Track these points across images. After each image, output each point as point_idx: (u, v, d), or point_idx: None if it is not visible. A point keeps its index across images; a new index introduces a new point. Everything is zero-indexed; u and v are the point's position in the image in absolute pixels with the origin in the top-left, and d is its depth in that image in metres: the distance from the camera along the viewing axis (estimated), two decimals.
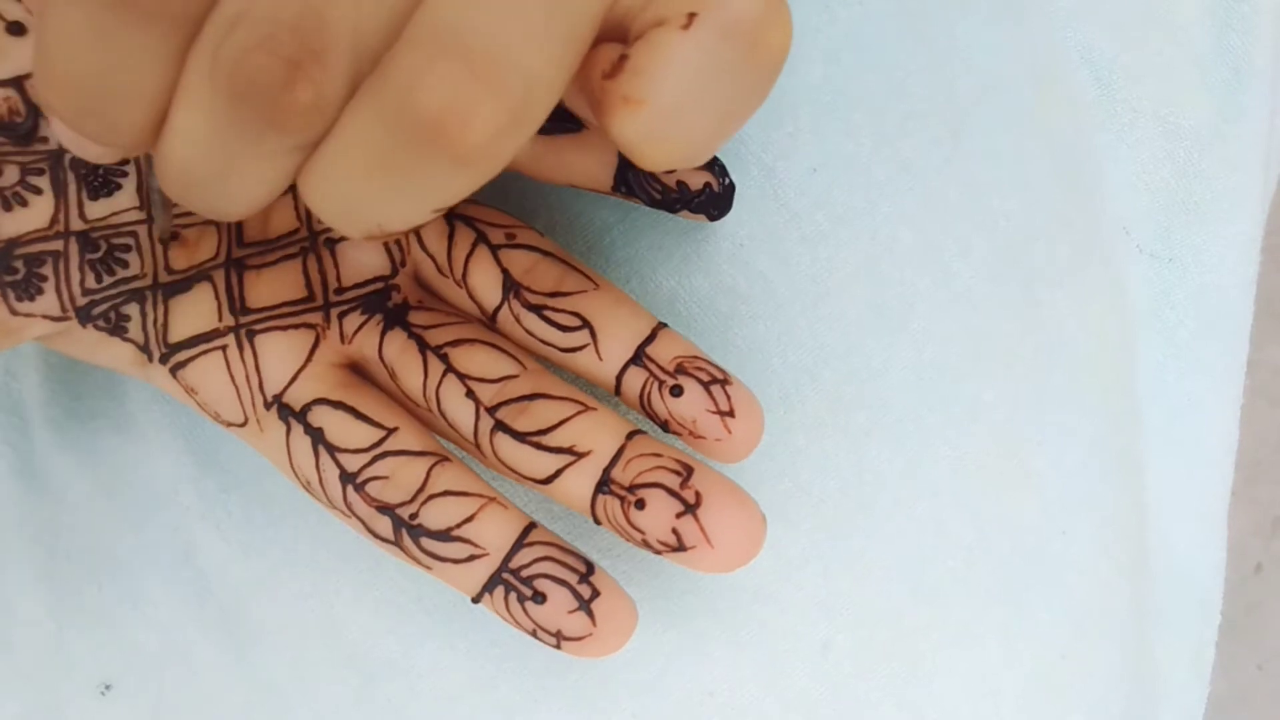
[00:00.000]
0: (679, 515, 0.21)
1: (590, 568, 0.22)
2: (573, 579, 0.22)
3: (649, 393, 0.22)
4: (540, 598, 0.21)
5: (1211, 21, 0.30)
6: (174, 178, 0.17)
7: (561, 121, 0.23)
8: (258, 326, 0.23)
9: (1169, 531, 0.30)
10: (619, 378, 0.23)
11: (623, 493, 0.22)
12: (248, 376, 0.23)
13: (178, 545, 0.26)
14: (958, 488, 0.27)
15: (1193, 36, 0.30)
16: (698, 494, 0.21)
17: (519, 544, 0.22)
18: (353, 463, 0.22)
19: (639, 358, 0.22)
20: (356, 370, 0.24)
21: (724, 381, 0.22)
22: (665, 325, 0.23)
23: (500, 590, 0.22)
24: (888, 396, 0.27)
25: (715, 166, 0.24)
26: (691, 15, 0.15)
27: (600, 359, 0.23)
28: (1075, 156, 0.29)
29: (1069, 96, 0.29)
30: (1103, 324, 0.29)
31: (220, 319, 0.23)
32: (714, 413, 0.22)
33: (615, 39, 0.16)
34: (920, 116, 0.27)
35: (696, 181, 0.24)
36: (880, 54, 0.28)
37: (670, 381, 0.22)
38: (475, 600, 0.22)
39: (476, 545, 0.22)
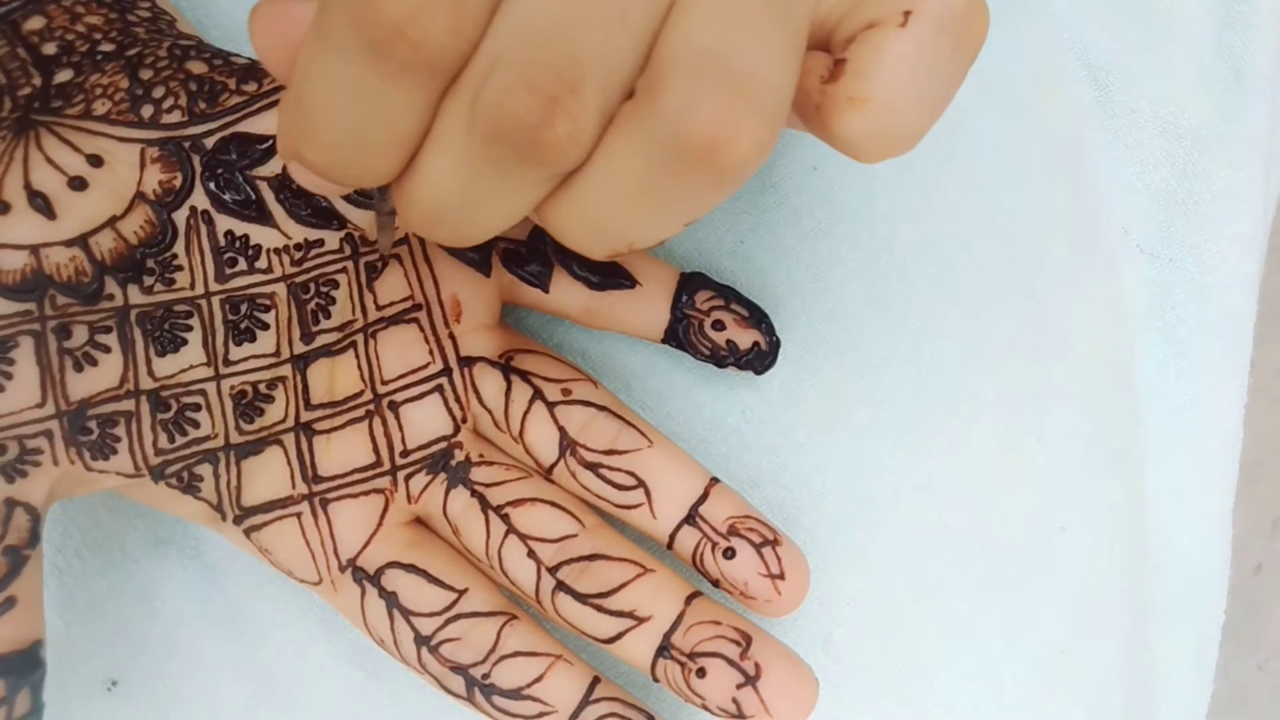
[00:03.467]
0: (739, 686, 0.22)
1: (651, 719, 0.23)
2: None
3: (702, 553, 0.23)
4: None
5: (1211, 21, 0.30)
6: (420, 213, 0.18)
7: (615, 278, 0.24)
8: (330, 495, 0.23)
9: (1171, 530, 0.30)
10: (672, 535, 0.23)
11: (683, 659, 0.22)
12: (322, 542, 0.23)
13: (185, 542, 0.26)
14: (957, 483, 0.27)
15: (1192, 36, 0.30)
16: (757, 665, 0.22)
17: (586, 700, 0.23)
18: (426, 625, 0.23)
19: (692, 518, 0.23)
20: (423, 524, 0.24)
21: (774, 542, 0.23)
22: (717, 480, 0.24)
23: None
24: (888, 392, 0.27)
25: (763, 324, 0.25)
26: (907, 13, 0.15)
27: (654, 518, 0.23)
28: (1073, 155, 0.29)
29: (1067, 96, 0.29)
30: (1101, 322, 0.29)
31: (294, 486, 0.23)
32: (765, 575, 0.23)
33: (815, 47, 0.17)
34: None
35: (745, 340, 0.25)
36: None
37: (723, 544, 0.23)
38: None
39: (546, 703, 0.23)
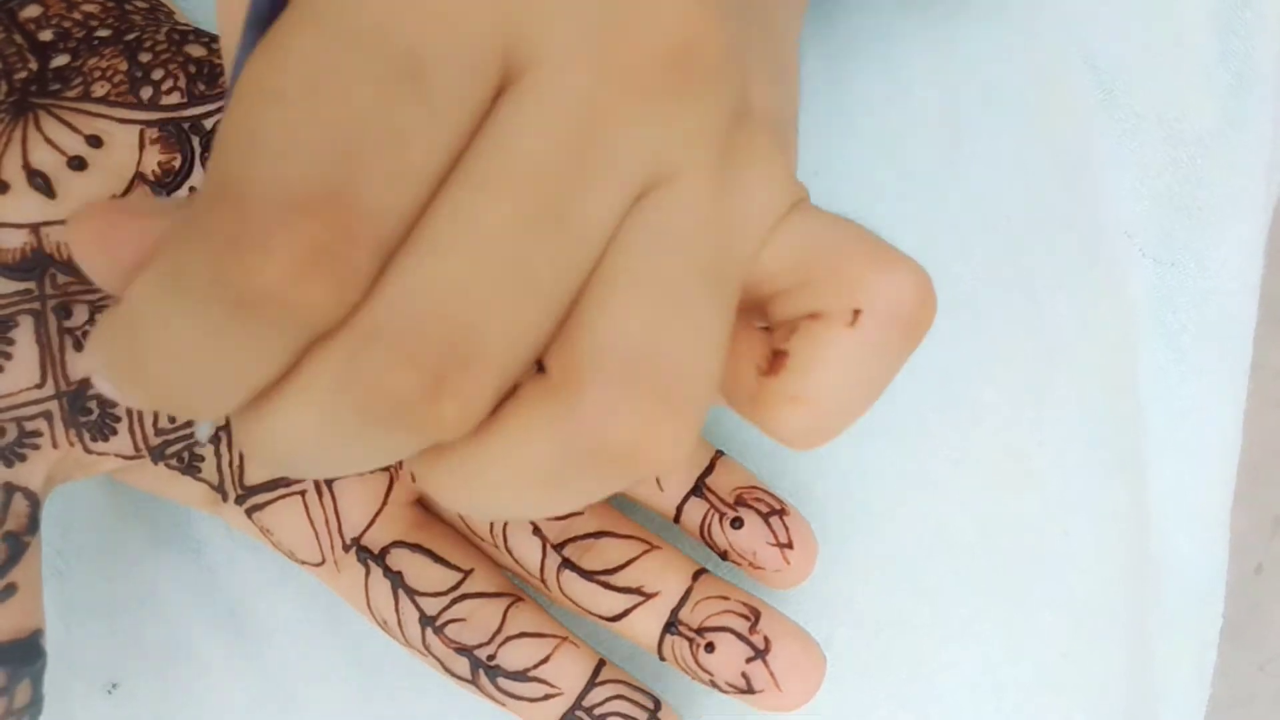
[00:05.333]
0: (749, 660, 0.22)
1: (657, 704, 0.23)
2: (642, 716, 0.23)
3: (709, 524, 0.23)
4: None
5: (1214, 26, 0.30)
6: (260, 453, 0.15)
7: None
8: None
9: (1171, 533, 0.30)
10: (679, 508, 0.23)
11: (691, 634, 0.22)
12: (326, 521, 0.23)
13: (186, 544, 0.26)
14: (959, 487, 0.27)
15: (1196, 41, 0.30)
16: (766, 639, 0.22)
17: (591, 683, 0.22)
18: (432, 606, 0.23)
19: (699, 489, 0.23)
20: (426, 505, 0.24)
21: (781, 512, 0.23)
22: (723, 453, 0.24)
23: None
24: (889, 396, 0.26)
25: None
26: (857, 312, 0.14)
27: (661, 490, 0.23)
28: (1076, 160, 0.29)
29: (1071, 101, 0.29)
30: (1103, 326, 0.29)
31: None
32: (773, 545, 0.23)
33: (748, 308, 0.16)
34: (922, 120, 0.27)
35: None
36: (882, 58, 0.28)
37: (730, 514, 0.23)
38: None
39: (552, 685, 0.22)
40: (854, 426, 0.26)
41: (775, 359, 0.15)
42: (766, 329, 0.16)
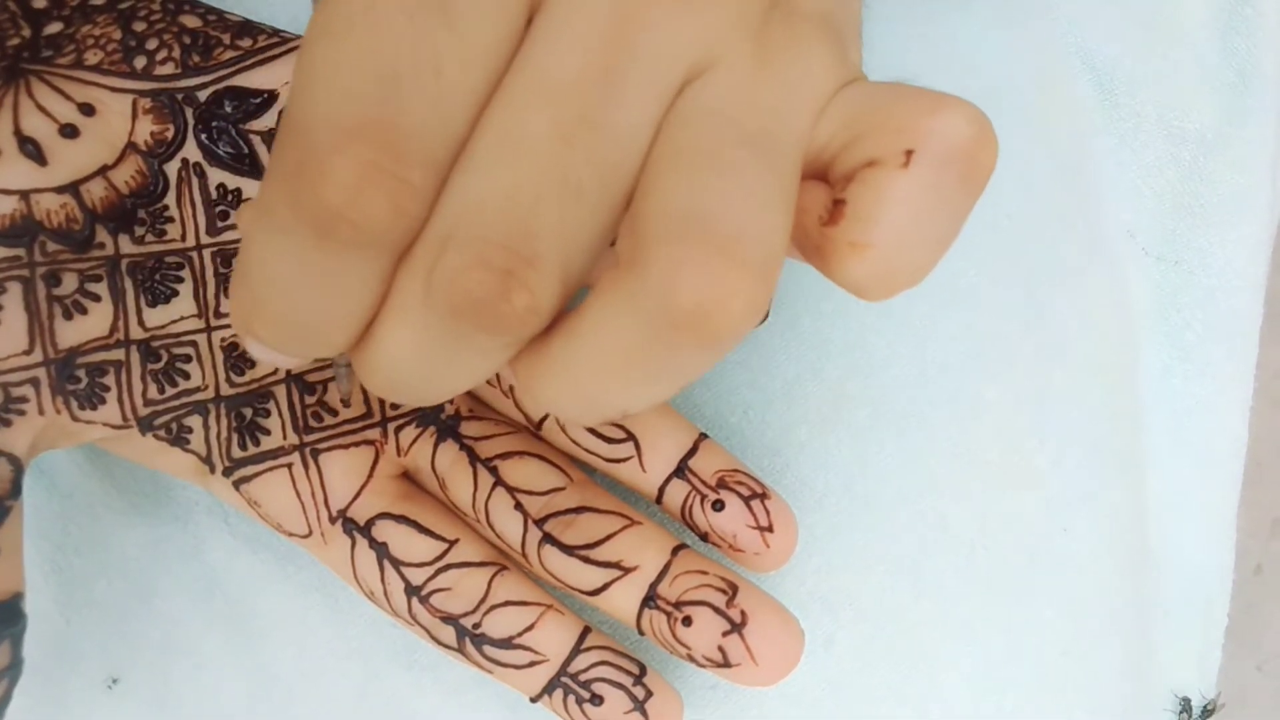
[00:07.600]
0: (725, 634, 0.22)
1: (643, 670, 0.23)
2: (627, 681, 0.23)
3: (690, 506, 0.23)
4: (598, 700, 0.23)
5: (1215, 25, 0.30)
6: (381, 380, 0.17)
7: None
8: (322, 445, 0.23)
9: (1175, 533, 0.30)
10: (661, 489, 0.23)
11: (669, 608, 0.22)
12: (313, 493, 0.23)
13: (185, 540, 0.26)
14: (960, 484, 0.27)
15: (1197, 41, 0.30)
16: (743, 613, 0.22)
17: (576, 650, 0.23)
18: (417, 576, 0.23)
19: (681, 471, 0.23)
20: (410, 479, 0.24)
21: (763, 496, 0.23)
22: (706, 436, 0.24)
23: (559, 693, 0.23)
24: (890, 393, 0.27)
25: None
26: (909, 152, 0.15)
27: (644, 471, 0.23)
28: (1078, 159, 0.29)
29: (1072, 101, 0.29)
30: (1105, 325, 0.29)
31: (285, 436, 0.23)
32: (754, 528, 0.23)
33: (813, 176, 0.16)
34: None
35: None
36: (883, 58, 0.28)
37: (712, 496, 0.23)
38: (534, 700, 0.23)
39: (537, 652, 0.23)
40: (855, 422, 0.26)
41: (835, 208, 0.15)
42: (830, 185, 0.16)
